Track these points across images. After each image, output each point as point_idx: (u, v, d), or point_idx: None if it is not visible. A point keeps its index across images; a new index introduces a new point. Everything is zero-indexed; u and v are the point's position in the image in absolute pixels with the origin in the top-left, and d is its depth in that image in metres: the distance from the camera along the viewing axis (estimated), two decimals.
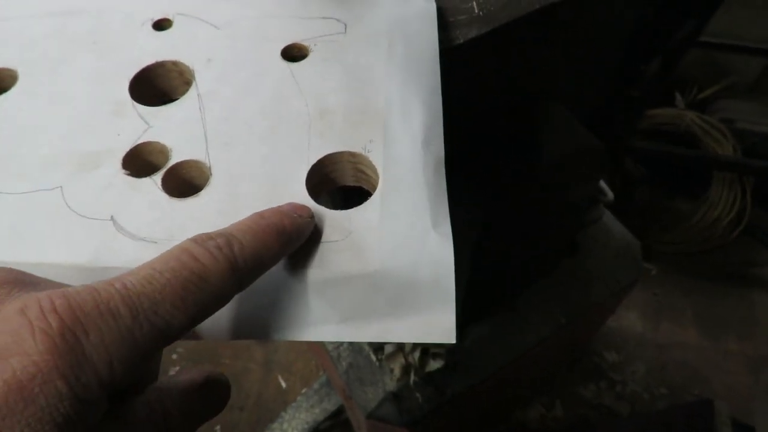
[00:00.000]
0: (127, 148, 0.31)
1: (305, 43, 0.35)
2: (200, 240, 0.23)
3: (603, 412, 1.47)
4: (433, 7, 0.37)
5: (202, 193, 0.29)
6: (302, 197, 0.29)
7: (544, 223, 0.70)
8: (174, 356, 1.58)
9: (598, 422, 1.45)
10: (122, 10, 0.38)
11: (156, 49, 0.36)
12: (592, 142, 0.55)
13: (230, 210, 0.28)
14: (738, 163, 1.61)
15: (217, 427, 1.45)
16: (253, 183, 0.29)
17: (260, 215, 0.25)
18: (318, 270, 0.26)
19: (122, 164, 0.30)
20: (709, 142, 1.66)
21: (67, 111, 0.33)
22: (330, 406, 1.34)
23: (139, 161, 0.31)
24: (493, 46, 0.41)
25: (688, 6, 0.60)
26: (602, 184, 0.93)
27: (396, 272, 0.26)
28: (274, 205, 0.27)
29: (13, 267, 0.22)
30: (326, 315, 0.26)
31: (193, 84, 0.34)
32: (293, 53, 0.36)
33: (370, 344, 0.88)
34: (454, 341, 0.25)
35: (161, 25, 0.37)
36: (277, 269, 0.27)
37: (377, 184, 0.29)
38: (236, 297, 0.24)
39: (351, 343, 0.90)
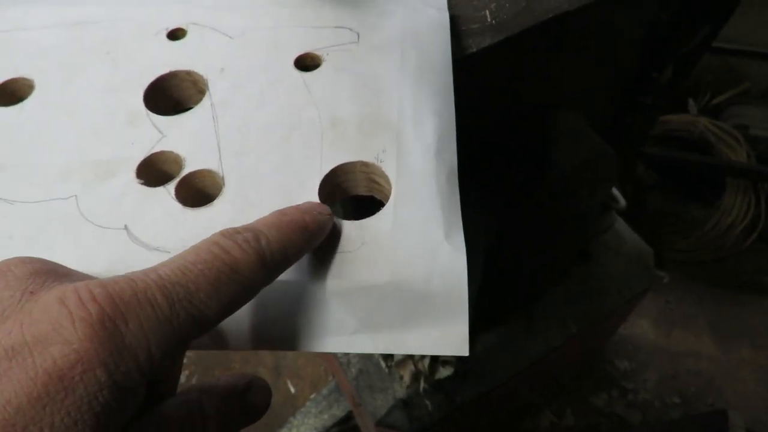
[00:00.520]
0: (141, 158, 0.31)
1: (318, 53, 0.35)
2: (228, 234, 0.23)
3: (614, 421, 1.46)
4: (446, 17, 0.37)
5: (216, 202, 0.29)
6: None
7: (555, 230, 0.69)
8: (184, 360, 1.59)
9: (609, 431, 1.44)
10: (137, 20, 0.38)
11: (170, 59, 0.36)
12: (604, 149, 0.55)
13: (243, 219, 0.28)
14: (752, 169, 1.59)
15: None
16: (266, 192, 0.29)
17: (282, 212, 0.26)
18: (332, 280, 0.26)
19: (136, 173, 0.30)
20: (723, 148, 1.64)
21: (81, 120, 0.33)
22: (339, 412, 1.34)
23: (153, 170, 0.31)
24: (506, 55, 0.41)
25: (703, 12, 0.60)
26: (614, 191, 0.92)
27: (408, 283, 0.26)
28: None
29: None
30: (339, 326, 0.26)
31: (207, 93, 0.34)
32: (306, 62, 0.36)
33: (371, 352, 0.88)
34: (466, 353, 0.25)
35: (175, 34, 0.38)
36: (293, 279, 0.27)
37: (390, 194, 0.29)
38: (255, 306, 0.24)
39: None
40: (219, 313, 0.22)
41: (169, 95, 0.36)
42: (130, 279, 0.20)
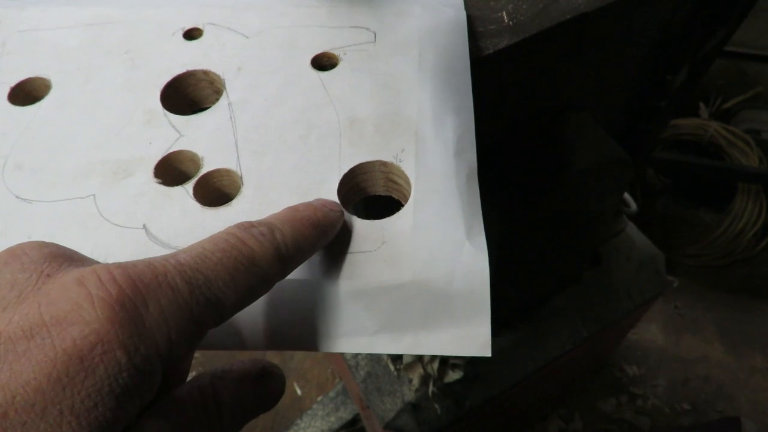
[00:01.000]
0: (159, 157, 0.31)
1: (335, 52, 0.35)
2: (244, 226, 0.23)
3: (623, 427, 1.44)
4: (463, 17, 0.37)
5: (234, 202, 0.29)
6: None
7: (567, 234, 0.69)
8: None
9: None
10: (154, 20, 0.39)
11: (187, 59, 0.36)
12: (619, 153, 0.54)
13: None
14: (763, 174, 1.58)
15: None
16: (285, 191, 0.29)
17: (294, 209, 0.26)
18: (351, 280, 0.26)
19: (154, 173, 0.30)
20: (734, 153, 1.63)
21: (99, 120, 0.33)
22: (346, 414, 1.34)
23: (171, 170, 0.31)
24: (522, 57, 0.40)
25: (718, 14, 0.59)
26: (626, 195, 0.91)
27: (430, 284, 0.26)
28: None
29: None
30: (359, 326, 0.26)
31: (224, 93, 0.34)
32: (323, 62, 0.36)
33: (389, 353, 0.88)
34: (488, 354, 0.25)
35: (192, 34, 0.38)
36: (311, 279, 0.26)
37: (409, 194, 0.29)
38: (272, 306, 0.24)
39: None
40: (236, 303, 0.21)
41: (186, 95, 0.36)
42: (149, 263, 0.20)
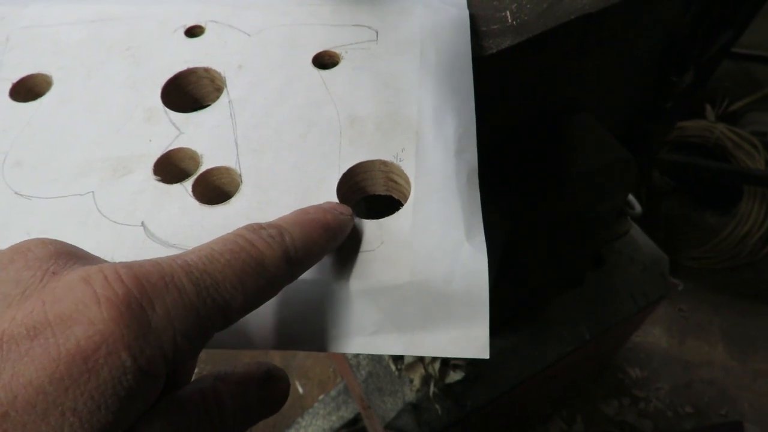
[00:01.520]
0: (159, 155, 0.31)
1: (336, 51, 0.35)
2: (253, 228, 0.23)
3: (625, 430, 1.44)
4: (465, 16, 0.37)
5: (233, 200, 0.29)
6: None
7: (571, 235, 0.69)
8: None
9: None
10: (155, 17, 0.38)
11: (188, 56, 0.36)
12: (623, 154, 0.54)
13: (261, 217, 0.28)
14: None
15: None
16: (284, 190, 0.29)
17: (304, 211, 0.25)
18: (353, 280, 0.26)
19: (153, 170, 0.30)
20: (740, 155, 1.62)
21: (99, 117, 0.33)
22: (347, 413, 1.34)
23: (171, 167, 0.31)
24: (526, 57, 0.40)
25: (725, 16, 0.59)
26: (630, 196, 0.91)
27: (428, 284, 0.25)
28: None
29: None
30: (360, 326, 0.26)
31: (224, 90, 0.34)
32: (324, 60, 0.35)
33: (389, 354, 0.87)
34: (487, 356, 0.24)
35: (193, 32, 0.38)
36: (315, 278, 0.26)
37: (409, 193, 0.28)
38: (279, 306, 0.23)
39: None
40: (243, 306, 0.21)
41: (186, 92, 0.36)
42: (156, 263, 0.19)
